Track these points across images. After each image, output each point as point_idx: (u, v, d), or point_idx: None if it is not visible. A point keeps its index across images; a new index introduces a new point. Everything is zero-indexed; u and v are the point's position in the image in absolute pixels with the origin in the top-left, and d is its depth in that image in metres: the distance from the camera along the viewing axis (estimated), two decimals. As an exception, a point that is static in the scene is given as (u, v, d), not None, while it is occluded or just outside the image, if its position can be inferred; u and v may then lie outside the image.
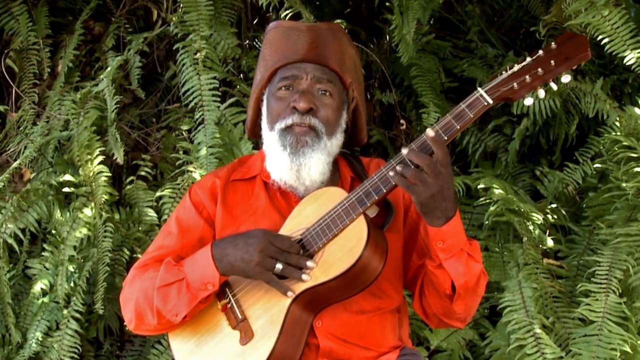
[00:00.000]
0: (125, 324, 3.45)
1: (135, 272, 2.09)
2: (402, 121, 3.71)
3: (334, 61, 2.09)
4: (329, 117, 2.05)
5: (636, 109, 3.25)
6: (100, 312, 3.27)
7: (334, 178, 2.12)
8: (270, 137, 2.07)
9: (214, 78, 3.43)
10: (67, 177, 3.44)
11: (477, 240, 3.31)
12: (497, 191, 3.23)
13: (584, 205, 3.35)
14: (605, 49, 3.08)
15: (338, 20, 3.64)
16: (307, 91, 2.04)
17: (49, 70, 3.86)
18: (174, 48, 3.58)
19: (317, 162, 2.02)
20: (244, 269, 1.90)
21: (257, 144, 3.35)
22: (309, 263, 1.90)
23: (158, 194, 3.43)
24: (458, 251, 1.90)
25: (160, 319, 1.99)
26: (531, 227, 3.23)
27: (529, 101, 1.89)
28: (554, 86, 1.88)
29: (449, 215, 1.86)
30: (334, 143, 2.07)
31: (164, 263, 2.01)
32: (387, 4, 3.51)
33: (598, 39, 3.07)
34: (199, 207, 2.13)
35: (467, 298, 1.97)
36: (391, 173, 1.87)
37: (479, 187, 3.30)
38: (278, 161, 2.04)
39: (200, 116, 3.40)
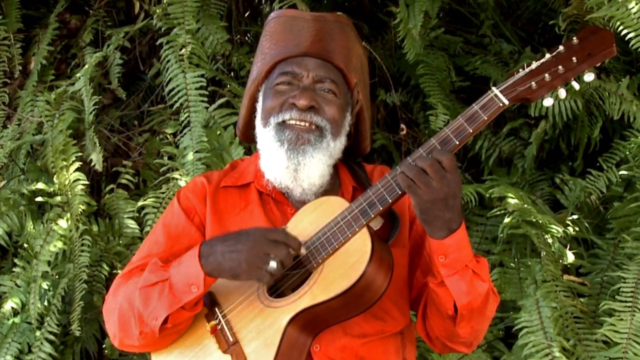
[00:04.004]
0: (104, 346, 3.47)
1: (120, 280, 2.06)
2: (402, 126, 3.70)
3: (340, 57, 2.08)
4: (335, 116, 2.04)
5: (665, 111, 3.27)
6: (77, 333, 3.26)
7: (334, 186, 2.11)
8: (264, 134, 2.06)
9: (202, 76, 3.44)
10: (41, 185, 3.45)
11: (491, 256, 3.36)
12: (513, 201, 3.23)
13: (609, 216, 3.36)
14: (631, 44, 3.09)
15: (338, 14, 3.65)
16: (308, 88, 2.03)
17: (20, 67, 3.88)
18: (157, 43, 3.60)
19: (317, 163, 2.01)
20: (232, 267, 1.87)
21: (250, 149, 3.37)
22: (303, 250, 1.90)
23: (140, 203, 3.42)
24: (462, 268, 1.88)
25: (142, 325, 1.95)
26: (550, 241, 3.23)
27: (548, 102, 1.88)
28: (576, 85, 1.88)
29: (453, 228, 1.85)
30: (337, 146, 2.06)
31: (150, 264, 1.99)
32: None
33: (622, 33, 3.07)
34: (190, 212, 2.11)
35: (472, 320, 1.96)
36: (393, 174, 1.87)
37: (492, 196, 3.31)
38: (273, 159, 2.03)
39: (185, 118, 3.41)
